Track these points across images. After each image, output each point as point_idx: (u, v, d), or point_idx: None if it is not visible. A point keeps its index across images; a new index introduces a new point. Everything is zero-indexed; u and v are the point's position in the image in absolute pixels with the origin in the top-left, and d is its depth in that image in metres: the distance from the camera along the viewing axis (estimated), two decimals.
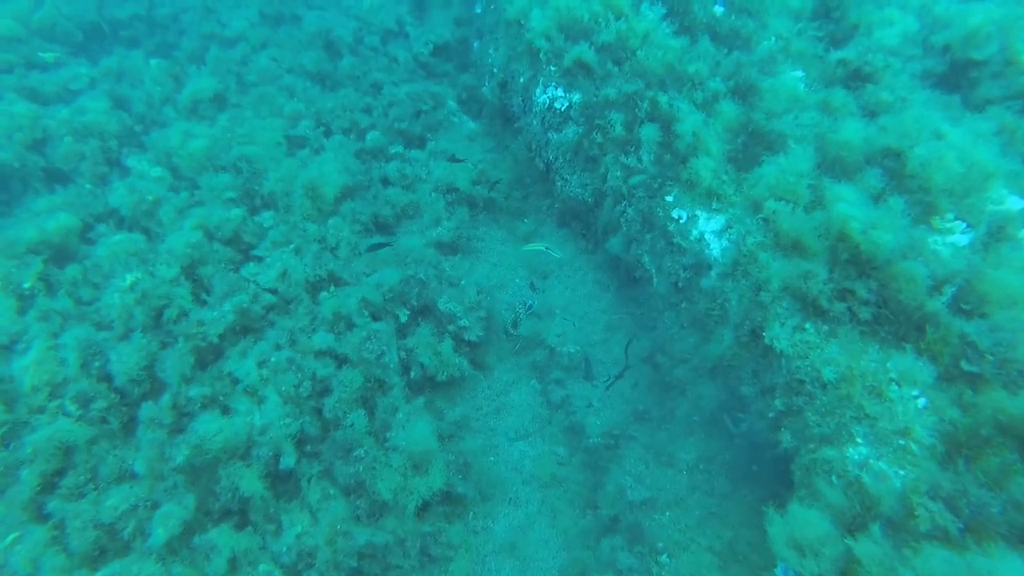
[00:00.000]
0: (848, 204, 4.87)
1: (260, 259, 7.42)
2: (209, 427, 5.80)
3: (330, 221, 7.77)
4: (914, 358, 4.42)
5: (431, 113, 10.75)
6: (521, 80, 9.24)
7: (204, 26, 11.12)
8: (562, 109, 8.34)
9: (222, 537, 5.50)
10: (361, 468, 5.94)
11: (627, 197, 7.48)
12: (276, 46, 10.67)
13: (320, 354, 6.64)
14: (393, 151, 9.76)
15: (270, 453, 5.89)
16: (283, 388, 6.17)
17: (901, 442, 4.19)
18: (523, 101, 9.46)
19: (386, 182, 9.47)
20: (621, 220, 7.71)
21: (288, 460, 5.92)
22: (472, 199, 9.36)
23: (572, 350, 7.51)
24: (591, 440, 6.91)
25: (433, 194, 9.20)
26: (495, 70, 10.18)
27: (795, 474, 4.83)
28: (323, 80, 10.56)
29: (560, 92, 8.27)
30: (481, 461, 6.95)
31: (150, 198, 7.89)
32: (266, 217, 7.86)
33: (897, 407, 4.30)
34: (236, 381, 6.35)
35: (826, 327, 4.88)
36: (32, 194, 8.91)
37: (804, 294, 4.95)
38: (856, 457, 4.32)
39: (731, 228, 6.06)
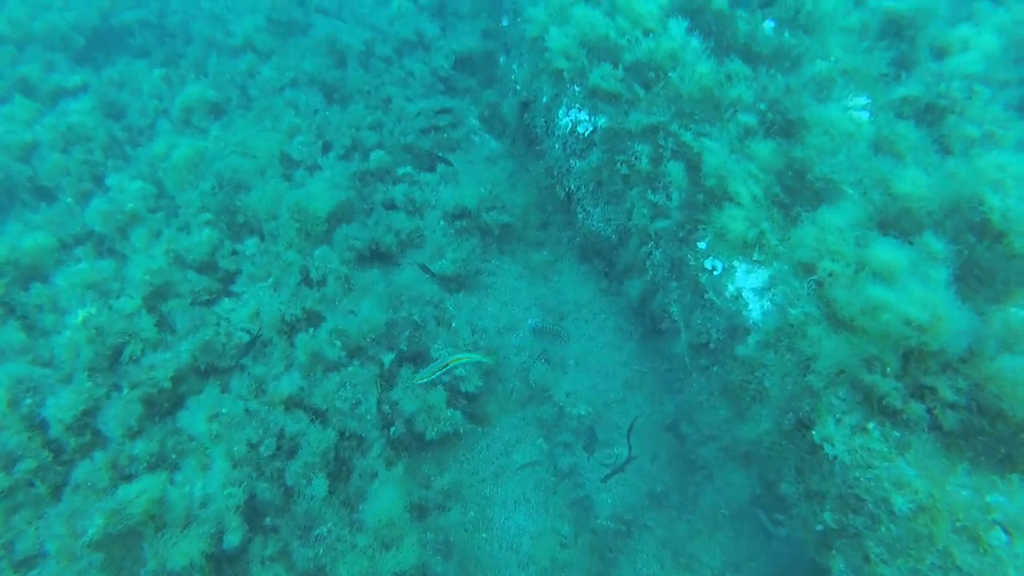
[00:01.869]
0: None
1: (238, 295, 6.67)
2: (131, 489, 4.99)
3: (316, 252, 6.96)
4: None
5: (449, 131, 9.95)
6: (544, 100, 8.36)
7: (208, 33, 10.57)
8: (586, 134, 7.41)
9: None
10: (321, 551, 5.06)
11: (654, 238, 6.50)
12: (283, 55, 10.01)
13: (290, 406, 5.81)
14: (401, 172, 8.97)
15: (212, 530, 5.06)
16: (235, 448, 5.35)
17: None
18: (545, 122, 8.57)
19: (391, 206, 8.68)
20: (647, 263, 6.72)
21: (232, 538, 5.07)
22: (484, 227, 8.48)
23: (583, 411, 6.52)
24: (600, 522, 5.91)
25: (440, 222, 8.37)
26: (518, 87, 9.33)
27: None
28: (330, 94, 9.86)
29: (584, 115, 7.34)
30: (471, 539, 6.02)
31: (128, 207, 7.23)
32: (249, 244, 7.11)
33: (1007, 567, 3.20)
34: (192, 437, 5.56)
35: (897, 433, 3.81)
36: (19, 207, 8.42)
37: (867, 387, 3.88)
38: None
39: (776, 287, 5.02)
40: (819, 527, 4.22)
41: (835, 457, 3.92)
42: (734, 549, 5.30)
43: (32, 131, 8.64)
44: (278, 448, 5.57)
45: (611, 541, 5.76)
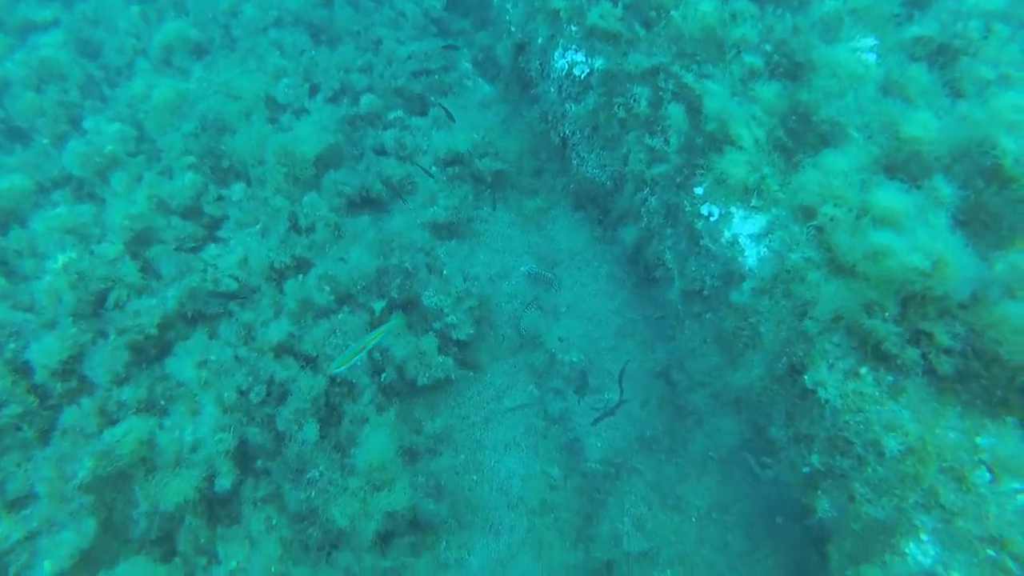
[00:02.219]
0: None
1: (225, 241, 6.51)
2: (117, 430, 4.97)
3: (305, 198, 6.78)
4: (1021, 437, 3.32)
5: (441, 74, 9.62)
6: (539, 41, 8.06)
7: None
8: (582, 77, 7.17)
9: (134, 572, 4.70)
10: (313, 493, 5.10)
11: (650, 184, 6.37)
12: None
13: (280, 352, 5.76)
14: (392, 117, 8.70)
15: (203, 473, 5.06)
16: (225, 394, 5.31)
17: (991, 553, 3.15)
18: (540, 65, 8.29)
19: (381, 152, 8.45)
20: (642, 210, 6.61)
21: (224, 482, 5.08)
22: (477, 174, 8.30)
23: (575, 358, 6.52)
24: (590, 465, 5.97)
25: (433, 168, 8.16)
26: (513, 28, 8.96)
27: (832, 559, 3.83)
28: (317, 35, 9.46)
29: (581, 57, 7.09)
30: (462, 481, 6.08)
31: (107, 150, 6.98)
32: (236, 189, 6.91)
33: (989, 504, 3.24)
34: (180, 384, 5.50)
35: (890, 378, 3.80)
36: None
37: (865, 332, 3.85)
38: (922, 559, 3.29)
39: (773, 233, 4.93)
40: (806, 469, 4.26)
41: (826, 401, 3.92)
42: (721, 491, 5.39)
43: (2, 67, 8.26)
44: (268, 394, 5.54)
45: (600, 483, 5.84)
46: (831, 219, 4.36)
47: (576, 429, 6.32)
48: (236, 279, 6.11)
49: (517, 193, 8.53)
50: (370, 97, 8.64)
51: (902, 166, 4.49)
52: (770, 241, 4.95)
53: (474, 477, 6.15)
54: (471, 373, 6.76)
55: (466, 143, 8.10)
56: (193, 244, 6.51)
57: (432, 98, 7.64)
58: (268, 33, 9.13)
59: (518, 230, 8.23)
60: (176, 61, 8.52)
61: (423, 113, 9.04)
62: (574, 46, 7.17)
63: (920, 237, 3.70)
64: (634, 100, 6.24)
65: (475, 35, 10.32)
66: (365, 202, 8.09)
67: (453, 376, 6.25)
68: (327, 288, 5.93)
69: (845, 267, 4.13)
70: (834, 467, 4.04)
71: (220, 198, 6.87)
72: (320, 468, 5.20)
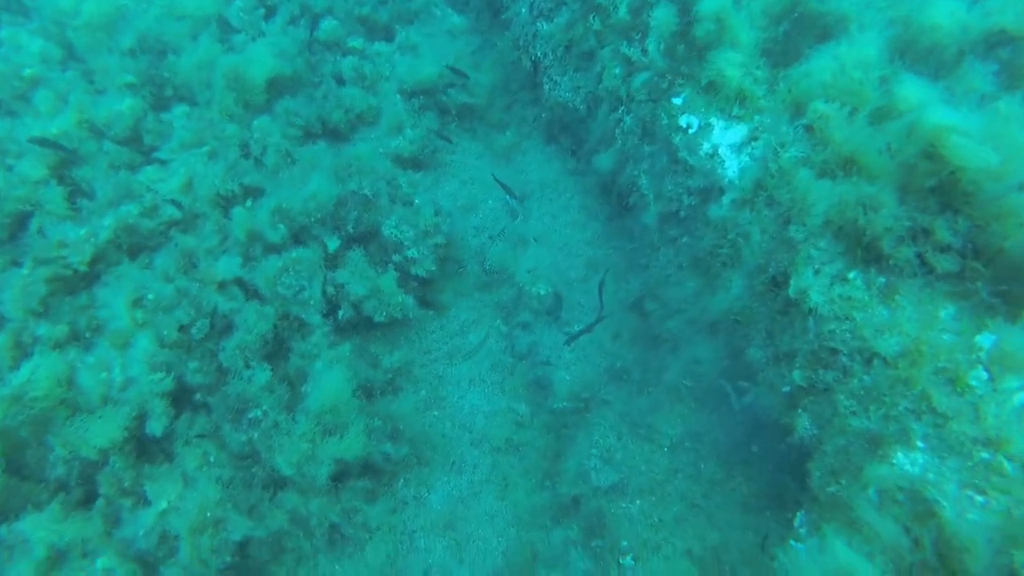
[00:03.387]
0: (941, 110, 3.32)
1: (164, 163, 5.92)
2: (23, 372, 4.44)
3: (256, 122, 6.19)
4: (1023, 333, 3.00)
5: (405, 1, 8.96)
6: None
7: None
8: None
9: (40, 525, 4.21)
10: (256, 435, 4.66)
11: (626, 101, 5.91)
12: None
13: (224, 285, 5.26)
14: (352, 44, 8.06)
15: (133, 412, 4.58)
16: (164, 332, 4.81)
17: (985, 455, 2.85)
18: None
19: (341, 81, 7.85)
20: (616, 131, 6.16)
21: (155, 425, 4.61)
22: (443, 105, 7.76)
23: (544, 291, 6.12)
24: (557, 404, 5.63)
25: (397, 96, 7.60)
26: None
27: (813, 476, 3.53)
28: None
29: None
30: (422, 418, 5.71)
31: (27, 73, 6.30)
32: (178, 113, 6.28)
33: (986, 404, 2.93)
34: (113, 315, 4.98)
35: (882, 279, 3.45)
36: None
37: (859, 231, 3.48)
38: (910, 468, 2.98)
39: (756, 140, 4.53)
40: (786, 388, 3.95)
41: (811, 310, 3.57)
42: (695, 420, 5.08)
43: None
44: (211, 327, 5.05)
45: (568, 418, 5.50)
46: (821, 116, 3.96)
47: (545, 364, 5.96)
48: (179, 206, 5.55)
49: (486, 127, 8.01)
50: (332, 22, 7.98)
51: (923, 57, 4.07)
52: (752, 148, 4.55)
53: (435, 413, 5.79)
54: (433, 310, 6.35)
55: (432, 74, 7.54)
56: (130, 171, 5.89)
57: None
58: None
59: (486, 162, 7.75)
60: None
61: (388, 39, 8.42)
62: None
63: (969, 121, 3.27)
64: (613, 7, 5.74)
65: None
66: (325, 134, 7.53)
67: (411, 315, 5.81)
68: (282, 227, 5.41)
69: (842, 160, 3.74)
70: (817, 382, 3.72)
71: (162, 123, 6.24)
72: (264, 406, 4.76)
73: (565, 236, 6.75)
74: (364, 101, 7.64)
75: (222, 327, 5.21)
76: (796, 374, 3.74)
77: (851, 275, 3.57)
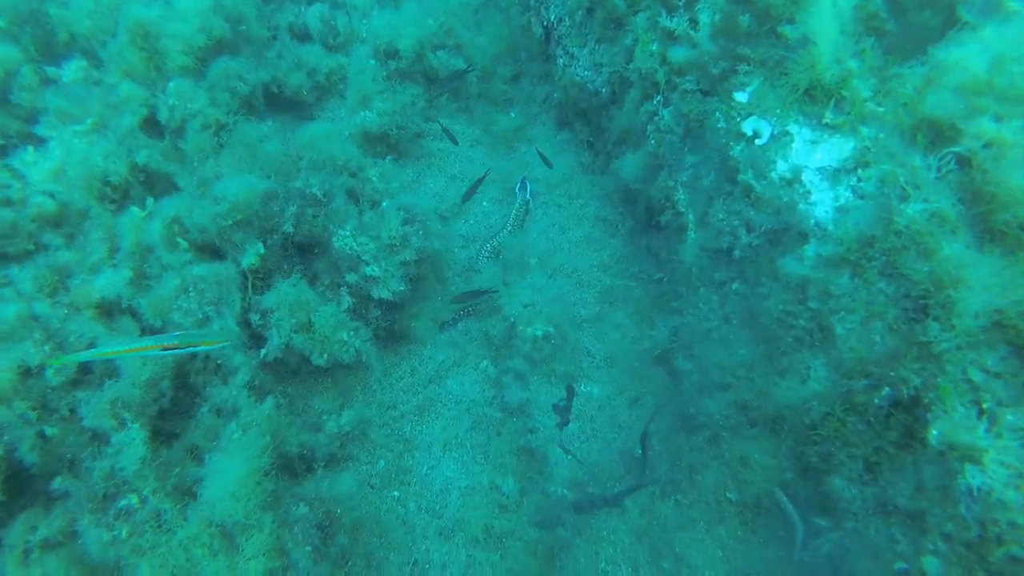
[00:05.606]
0: None
1: (44, 140, 4.47)
2: None
3: (171, 84, 4.70)
4: None
5: None
6: None
7: None
8: None
9: None
10: (124, 532, 3.32)
11: (664, 89, 4.39)
12: None
13: (105, 312, 3.89)
14: None
15: None
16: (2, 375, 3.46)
17: None
18: None
19: (304, 37, 6.31)
20: (649, 128, 4.66)
21: None
22: (431, 72, 6.19)
23: (541, 331, 4.69)
24: (554, 488, 4.31)
25: (370, 60, 6.05)
26: None
27: None
28: None
29: None
30: (376, 501, 4.40)
31: None
32: (70, 68, 4.79)
33: None
34: None
35: None
36: None
37: None
38: None
39: (866, 167, 3.05)
40: (901, 566, 2.57)
41: (970, 489, 2.17)
42: (742, 554, 3.70)
43: None
44: (82, 371, 3.70)
45: (566, 515, 4.16)
46: (986, 144, 2.47)
47: (540, 432, 4.61)
48: (52, 196, 4.14)
49: (486, 104, 6.47)
50: None
51: None
52: (859, 180, 3.07)
53: (395, 493, 4.47)
54: (400, 347, 4.98)
55: (416, 33, 5.94)
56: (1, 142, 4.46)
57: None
58: None
59: (483, 151, 6.25)
60: None
61: None
62: None
63: None
64: None
65: None
66: (279, 103, 6.04)
67: (364, 358, 4.42)
68: (183, 243, 3.98)
69: (1018, 224, 2.28)
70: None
71: (46, 81, 4.77)
72: (145, 491, 3.42)
73: (575, 258, 5.31)
74: (332, 62, 6.13)
75: (103, 371, 3.84)
76: (928, 562, 2.36)
77: None
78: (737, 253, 3.85)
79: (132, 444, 3.46)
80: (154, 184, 4.47)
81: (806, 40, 3.33)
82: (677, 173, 4.42)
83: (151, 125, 4.70)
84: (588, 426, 4.53)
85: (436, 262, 5.13)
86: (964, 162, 2.54)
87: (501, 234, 5.47)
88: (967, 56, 2.78)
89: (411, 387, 4.92)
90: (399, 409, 4.80)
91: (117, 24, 4.76)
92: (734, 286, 4.02)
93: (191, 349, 3.46)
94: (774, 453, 3.41)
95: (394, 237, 4.70)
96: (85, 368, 3.78)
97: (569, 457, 4.41)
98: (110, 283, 3.94)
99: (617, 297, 5.07)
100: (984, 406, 2.22)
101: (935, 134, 2.71)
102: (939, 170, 2.56)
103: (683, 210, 4.46)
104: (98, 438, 3.60)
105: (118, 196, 4.30)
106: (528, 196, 5.62)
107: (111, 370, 3.79)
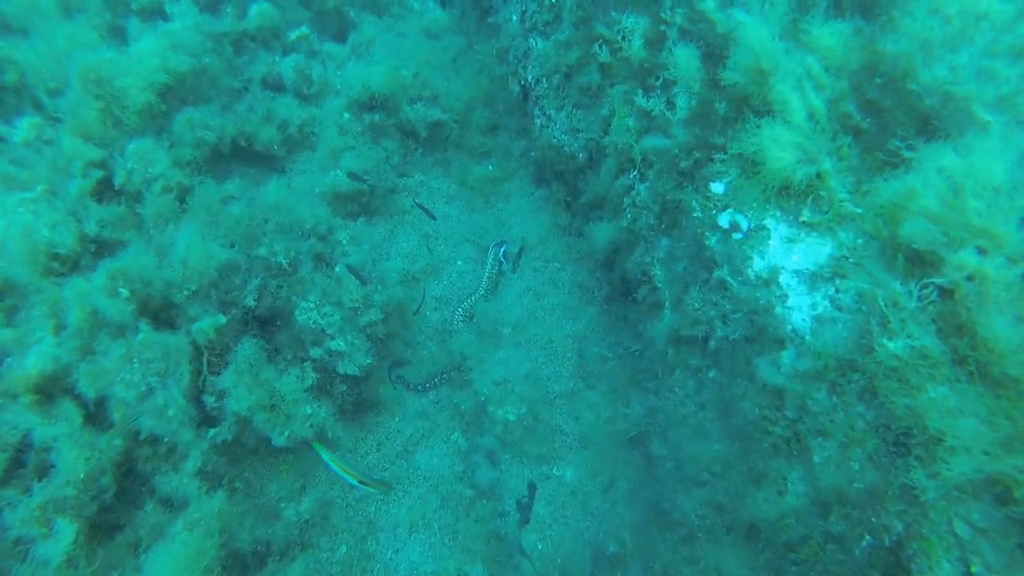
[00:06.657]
0: None
1: None
2: None
3: (131, 145, 4.50)
4: None
5: None
6: None
7: None
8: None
9: None
10: None
11: (639, 165, 4.29)
12: None
13: (43, 393, 3.65)
14: (294, 36, 6.33)
15: None
16: None
17: None
18: None
19: (278, 87, 6.14)
20: (625, 201, 4.54)
21: None
22: (407, 126, 6.06)
23: (513, 415, 4.52)
24: None
25: (345, 114, 5.90)
26: None
27: None
28: None
29: None
30: None
31: None
32: (22, 126, 4.57)
33: None
34: None
35: None
36: None
37: None
38: None
39: (845, 277, 2.94)
40: None
41: None
42: None
43: None
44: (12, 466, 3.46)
45: None
46: (969, 277, 2.37)
47: (511, 515, 4.43)
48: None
49: (463, 155, 6.34)
50: (264, 6, 6.21)
51: None
52: (837, 291, 2.96)
53: None
54: (366, 420, 4.78)
55: (392, 82, 5.82)
56: None
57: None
58: None
59: (458, 207, 6.11)
60: None
61: (340, 38, 6.70)
62: None
63: None
64: (623, 36, 4.09)
65: None
66: (247, 155, 5.85)
67: (331, 434, 4.23)
68: (124, 291, 3.75)
69: (999, 378, 2.17)
70: None
71: None
72: None
73: (549, 327, 5.15)
74: (304, 114, 5.97)
75: (37, 466, 3.60)
76: None
77: None
78: (712, 344, 3.72)
79: (56, 543, 3.21)
80: (108, 254, 4.24)
81: (780, 135, 3.24)
82: (653, 251, 4.30)
83: (107, 187, 4.49)
84: (559, 513, 4.35)
85: (402, 312, 4.97)
86: (947, 292, 2.44)
87: (473, 296, 5.33)
88: (923, 184, 2.69)
89: (377, 464, 4.72)
90: (363, 488, 4.59)
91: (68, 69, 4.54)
92: (710, 374, 3.89)
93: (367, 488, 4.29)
94: (751, 566, 3.26)
95: (356, 300, 4.52)
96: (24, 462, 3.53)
97: (532, 554, 4.21)
98: (39, 359, 3.69)
99: (591, 370, 4.92)
100: (973, 570, 2.09)
101: (913, 257, 2.61)
102: (920, 299, 2.45)
103: (660, 286, 4.34)
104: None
105: (66, 268, 4.07)
106: (501, 256, 5.49)
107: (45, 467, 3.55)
